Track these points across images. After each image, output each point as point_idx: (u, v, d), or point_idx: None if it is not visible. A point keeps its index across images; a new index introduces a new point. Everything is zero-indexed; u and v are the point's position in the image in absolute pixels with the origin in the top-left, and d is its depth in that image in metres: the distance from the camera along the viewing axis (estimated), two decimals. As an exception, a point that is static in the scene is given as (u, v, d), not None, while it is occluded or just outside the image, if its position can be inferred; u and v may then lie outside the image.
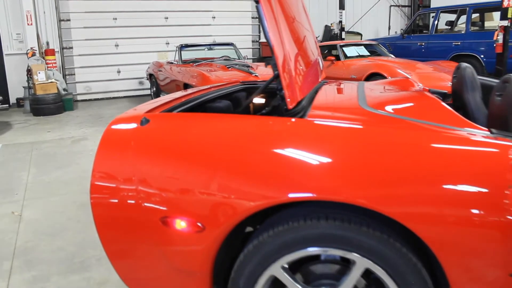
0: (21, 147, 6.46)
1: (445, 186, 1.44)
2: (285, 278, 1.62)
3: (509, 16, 8.37)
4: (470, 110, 2.47)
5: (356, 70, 8.24)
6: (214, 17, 12.46)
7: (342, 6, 12.28)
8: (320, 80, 2.78)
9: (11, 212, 3.87)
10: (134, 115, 1.87)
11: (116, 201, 1.80)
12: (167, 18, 11.94)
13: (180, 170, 1.69)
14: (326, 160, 1.53)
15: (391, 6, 15.80)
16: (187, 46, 9.34)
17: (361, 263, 1.54)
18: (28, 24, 10.10)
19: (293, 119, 1.70)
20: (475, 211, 1.43)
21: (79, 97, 11.35)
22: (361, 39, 13.76)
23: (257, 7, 1.73)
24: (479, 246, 1.45)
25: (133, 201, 1.77)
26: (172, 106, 2.11)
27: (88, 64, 11.35)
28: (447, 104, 2.84)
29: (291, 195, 1.52)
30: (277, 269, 1.60)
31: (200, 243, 1.62)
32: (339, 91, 2.30)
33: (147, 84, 11.17)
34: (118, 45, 11.57)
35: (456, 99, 2.69)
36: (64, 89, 10.00)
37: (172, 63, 9.17)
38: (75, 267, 2.86)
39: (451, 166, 1.46)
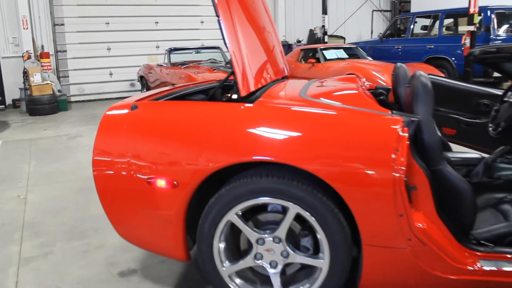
0: (20, 143, 6.96)
1: (352, 150, 2.00)
2: (238, 222, 2.16)
3: (475, 21, 9.00)
4: (402, 100, 3.03)
5: (334, 72, 8.80)
6: (203, 22, 13.01)
7: (325, 11, 12.88)
8: (283, 76, 3.33)
9: (17, 196, 4.39)
10: (125, 103, 2.42)
11: (112, 172, 2.34)
12: (157, 22, 12.48)
13: (161, 143, 2.23)
14: (271, 132, 2.08)
15: (373, 10, 16.47)
16: (176, 49, 9.88)
17: (293, 209, 2.08)
18: (24, 29, 10.62)
19: (246, 104, 2.25)
20: (373, 168, 1.98)
21: (72, 98, 11.84)
22: (344, 43, 14.37)
23: (218, 20, 2.28)
24: (376, 194, 2.00)
25: (125, 172, 2.31)
26: (157, 97, 2.65)
27: (82, 67, 11.85)
28: (386, 96, 3.40)
29: (255, 157, 2.06)
30: (232, 215, 2.15)
31: (175, 196, 2.16)
32: (291, 85, 2.85)
33: (138, 85, 11.69)
34: (110, 49, 12.09)
35: (394, 92, 3.25)
36: (59, 91, 10.48)
37: (161, 65, 9.71)
38: (76, 236, 3.38)
39: (356, 135, 2.02)
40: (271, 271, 2.23)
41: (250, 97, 2.38)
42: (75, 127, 8.23)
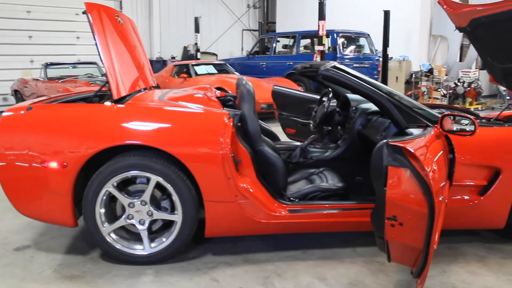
0: None
1: (194, 135, 2.90)
2: (114, 191, 2.95)
3: (323, 42, 10.57)
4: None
5: (204, 85, 9.78)
6: (79, 37, 13.29)
7: (197, 30, 13.91)
8: (150, 85, 4.14)
9: None
10: (22, 105, 3.07)
11: (14, 163, 2.96)
12: (31, 37, 12.54)
13: (54, 135, 2.94)
14: (138, 124, 2.91)
15: (243, 30, 17.90)
16: (52, 64, 10.16)
17: (153, 179, 2.92)
18: None
19: (118, 105, 3.05)
20: (208, 147, 2.89)
21: None
22: (216, 59, 15.50)
23: (94, 38, 3.06)
24: (212, 165, 2.90)
25: (26, 164, 2.95)
26: (48, 101, 3.33)
27: None
28: (234, 102, 4.34)
29: (127, 141, 2.86)
30: (109, 186, 2.93)
31: (65, 174, 2.88)
32: (154, 92, 3.68)
33: (12, 100, 11.63)
34: (-21, 62, 11.91)
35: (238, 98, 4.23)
36: None
37: (38, 80, 9.92)
38: (-30, 226, 3.86)
39: (197, 125, 2.93)
40: (140, 227, 3.03)
41: (121, 101, 3.18)
42: None
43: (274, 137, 4.32)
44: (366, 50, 12.51)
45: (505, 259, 3.25)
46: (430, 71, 12.28)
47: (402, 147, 2.49)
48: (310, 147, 4.10)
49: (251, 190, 3.04)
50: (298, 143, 4.23)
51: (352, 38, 12.39)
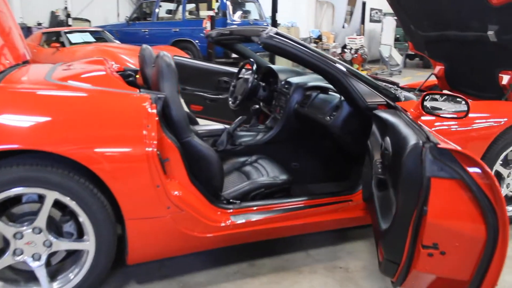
0: None
1: (104, 130, 2.06)
2: (-10, 219, 2.01)
3: (213, 7, 9.79)
4: (149, 80, 3.17)
5: (81, 57, 8.46)
6: None
7: (66, -8, 12.23)
8: (24, 61, 3.11)
9: None
10: None
11: None
12: None
13: None
14: (16, 119, 1.98)
15: (118, -7, 16.29)
16: None
17: (50, 195, 2.04)
18: None
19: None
20: (127, 146, 2.08)
21: None
22: (90, 26, 13.86)
23: None
24: (133, 170, 2.10)
25: None
26: None
27: None
28: (135, 78, 3.48)
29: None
30: (-18, 212, 1.99)
31: None
32: (35, 69, 2.70)
33: None
34: None
35: (142, 73, 3.37)
36: None
37: None
38: None
39: (107, 115, 2.09)
40: (34, 264, 2.14)
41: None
42: None
43: (192, 120, 3.56)
44: (255, 16, 11.95)
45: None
46: (319, 37, 12.14)
47: (454, 151, 1.86)
48: (238, 130, 3.42)
49: (185, 197, 2.30)
50: (222, 126, 3.51)
51: (239, 3, 11.73)
